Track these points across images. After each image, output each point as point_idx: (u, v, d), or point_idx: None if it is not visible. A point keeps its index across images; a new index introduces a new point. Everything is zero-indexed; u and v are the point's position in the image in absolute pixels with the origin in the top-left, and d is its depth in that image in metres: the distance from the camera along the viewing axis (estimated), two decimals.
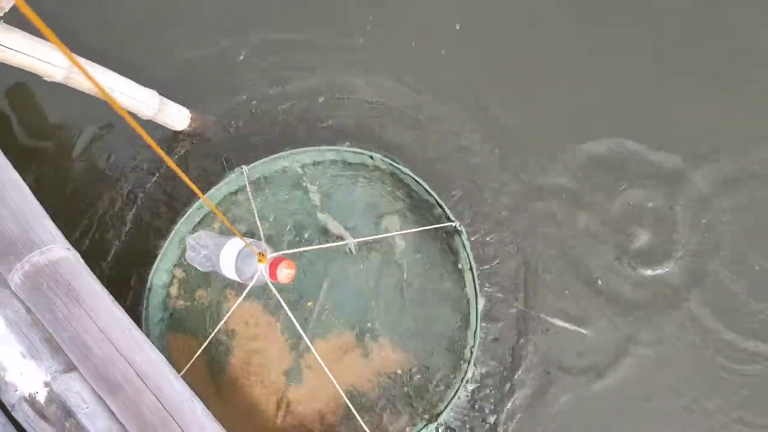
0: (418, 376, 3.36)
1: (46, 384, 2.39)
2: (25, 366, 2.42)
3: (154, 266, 3.55)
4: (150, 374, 2.25)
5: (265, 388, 3.41)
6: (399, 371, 3.35)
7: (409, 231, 3.51)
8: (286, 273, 2.61)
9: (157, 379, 2.26)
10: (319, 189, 3.73)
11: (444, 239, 3.56)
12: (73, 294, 2.41)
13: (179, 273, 3.73)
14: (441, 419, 3.07)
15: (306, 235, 3.68)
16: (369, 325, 3.48)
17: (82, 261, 2.43)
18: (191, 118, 3.97)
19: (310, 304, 3.51)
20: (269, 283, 2.65)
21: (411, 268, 3.57)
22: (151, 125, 3.76)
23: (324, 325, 3.49)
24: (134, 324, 2.49)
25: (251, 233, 3.68)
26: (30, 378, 2.40)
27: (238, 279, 2.71)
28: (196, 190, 1.87)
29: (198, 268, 3.11)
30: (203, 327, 3.56)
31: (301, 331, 2.87)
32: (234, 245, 2.73)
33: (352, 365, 3.39)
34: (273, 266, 2.58)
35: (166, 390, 2.25)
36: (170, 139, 4.02)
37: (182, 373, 2.93)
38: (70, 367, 2.45)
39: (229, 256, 2.84)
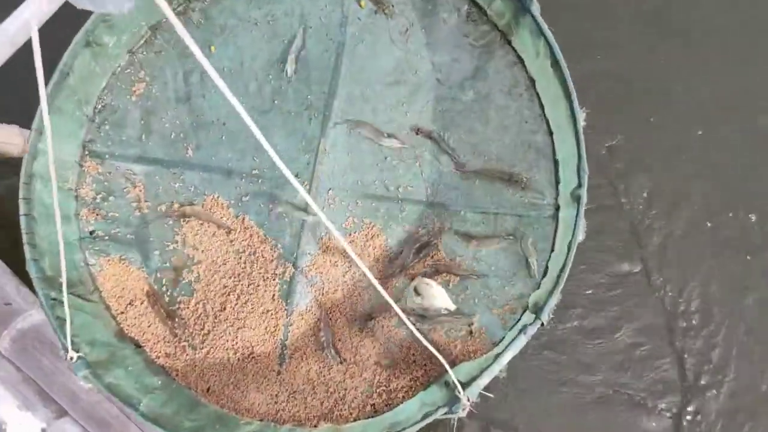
0: None
1: (43, 430, 2.60)
2: (22, 417, 2.60)
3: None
4: None
5: (257, 325, 2.95)
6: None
7: None
8: None
9: None
10: None
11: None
12: (57, 351, 2.76)
13: (92, 165, 3.01)
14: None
15: None
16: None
17: None
18: None
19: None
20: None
21: None
22: None
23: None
24: None
25: None
26: (28, 427, 2.59)
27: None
28: None
29: None
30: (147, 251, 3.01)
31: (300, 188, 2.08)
32: None
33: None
34: None
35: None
36: None
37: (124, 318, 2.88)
38: (62, 414, 2.64)
39: None
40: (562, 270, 2.48)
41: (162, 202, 2.93)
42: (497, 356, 2.47)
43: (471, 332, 2.79)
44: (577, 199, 2.52)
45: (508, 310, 2.79)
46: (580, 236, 2.50)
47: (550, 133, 2.83)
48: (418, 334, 2.17)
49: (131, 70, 2.98)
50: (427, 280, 2.76)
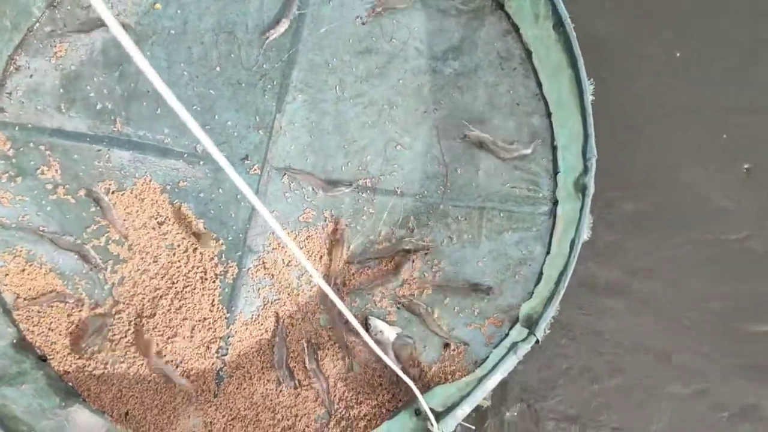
0: None
1: None
2: None
3: None
4: None
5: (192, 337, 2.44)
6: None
7: None
8: None
9: None
10: None
11: None
12: None
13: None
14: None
15: None
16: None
17: None
18: None
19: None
20: None
21: None
22: None
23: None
24: None
25: None
26: None
27: None
28: None
29: None
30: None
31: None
32: None
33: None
34: None
35: None
36: None
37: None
38: None
39: None
40: (562, 274, 2.03)
41: (82, 186, 2.43)
42: (481, 380, 2.00)
43: (447, 349, 2.33)
44: (582, 189, 2.08)
45: (493, 324, 2.34)
46: (585, 234, 2.06)
47: (548, 115, 2.40)
48: (379, 352, 1.70)
49: (52, 27, 2.50)
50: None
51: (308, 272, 2.34)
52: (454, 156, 2.42)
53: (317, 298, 2.38)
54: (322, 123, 2.46)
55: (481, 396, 1.95)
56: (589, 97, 2.08)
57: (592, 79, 2.12)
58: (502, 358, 2.00)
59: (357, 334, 2.26)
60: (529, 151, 2.35)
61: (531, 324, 2.06)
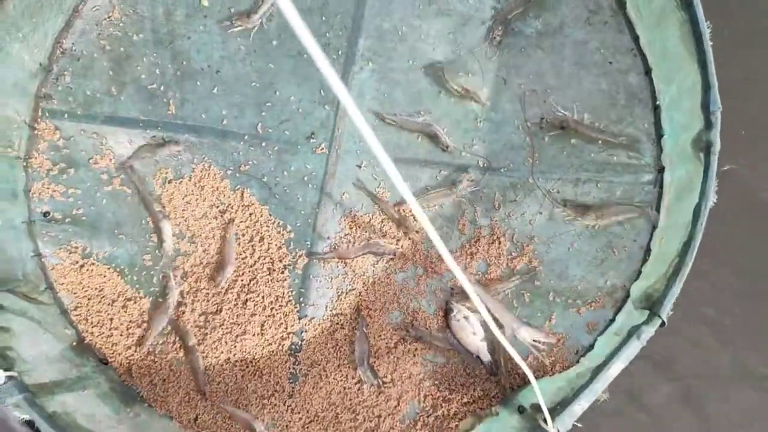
0: None
1: None
2: None
3: None
4: None
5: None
6: None
7: None
8: None
9: None
10: None
11: None
12: None
13: (47, 128, 2.29)
14: None
15: None
16: None
17: None
18: None
19: None
20: None
21: None
22: None
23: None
24: None
25: None
26: None
27: None
28: None
29: None
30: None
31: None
32: None
33: None
34: None
35: None
36: None
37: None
38: None
39: None
40: (687, 246, 1.77)
41: (139, 175, 2.27)
42: (597, 370, 1.76)
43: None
44: (706, 147, 1.81)
45: (597, 308, 2.10)
46: (711, 199, 1.80)
47: (647, 72, 2.14)
48: (497, 332, 1.46)
49: (99, 5, 2.32)
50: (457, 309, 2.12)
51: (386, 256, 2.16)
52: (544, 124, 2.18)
53: (398, 285, 2.17)
54: (393, 94, 2.23)
55: (600, 388, 1.70)
56: (708, 42, 1.81)
57: (709, 22, 1.85)
58: (623, 344, 1.75)
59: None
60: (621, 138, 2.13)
61: (652, 304, 1.81)
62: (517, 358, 1.49)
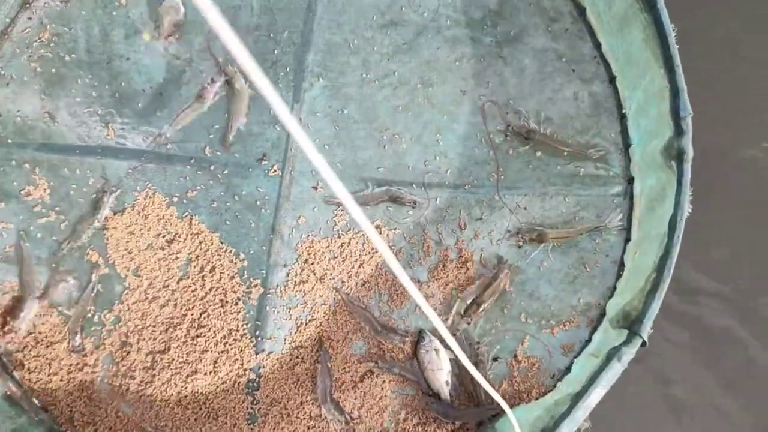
0: None
1: None
2: None
3: None
4: None
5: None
6: None
7: None
8: None
9: None
10: None
11: None
12: None
13: None
14: None
15: None
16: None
17: None
18: None
19: None
20: None
21: None
22: None
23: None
24: None
25: None
26: None
27: None
28: None
29: None
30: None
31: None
32: None
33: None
34: None
35: None
36: None
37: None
38: None
39: None
40: (663, 260, 1.67)
41: (74, 206, 2.11)
42: (577, 396, 1.64)
43: (516, 361, 1.98)
44: (677, 155, 1.72)
45: (571, 327, 2.00)
46: (687, 210, 1.71)
47: (611, 80, 2.06)
48: (469, 366, 1.34)
49: (29, 26, 2.17)
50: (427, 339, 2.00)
51: (347, 283, 2.02)
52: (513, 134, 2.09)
53: (357, 316, 2.04)
54: (346, 110, 2.11)
55: (582, 417, 1.58)
56: (674, 44, 1.74)
57: (673, 25, 1.78)
58: (602, 367, 1.64)
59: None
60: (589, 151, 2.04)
61: (631, 323, 1.71)
62: (491, 390, 1.37)
